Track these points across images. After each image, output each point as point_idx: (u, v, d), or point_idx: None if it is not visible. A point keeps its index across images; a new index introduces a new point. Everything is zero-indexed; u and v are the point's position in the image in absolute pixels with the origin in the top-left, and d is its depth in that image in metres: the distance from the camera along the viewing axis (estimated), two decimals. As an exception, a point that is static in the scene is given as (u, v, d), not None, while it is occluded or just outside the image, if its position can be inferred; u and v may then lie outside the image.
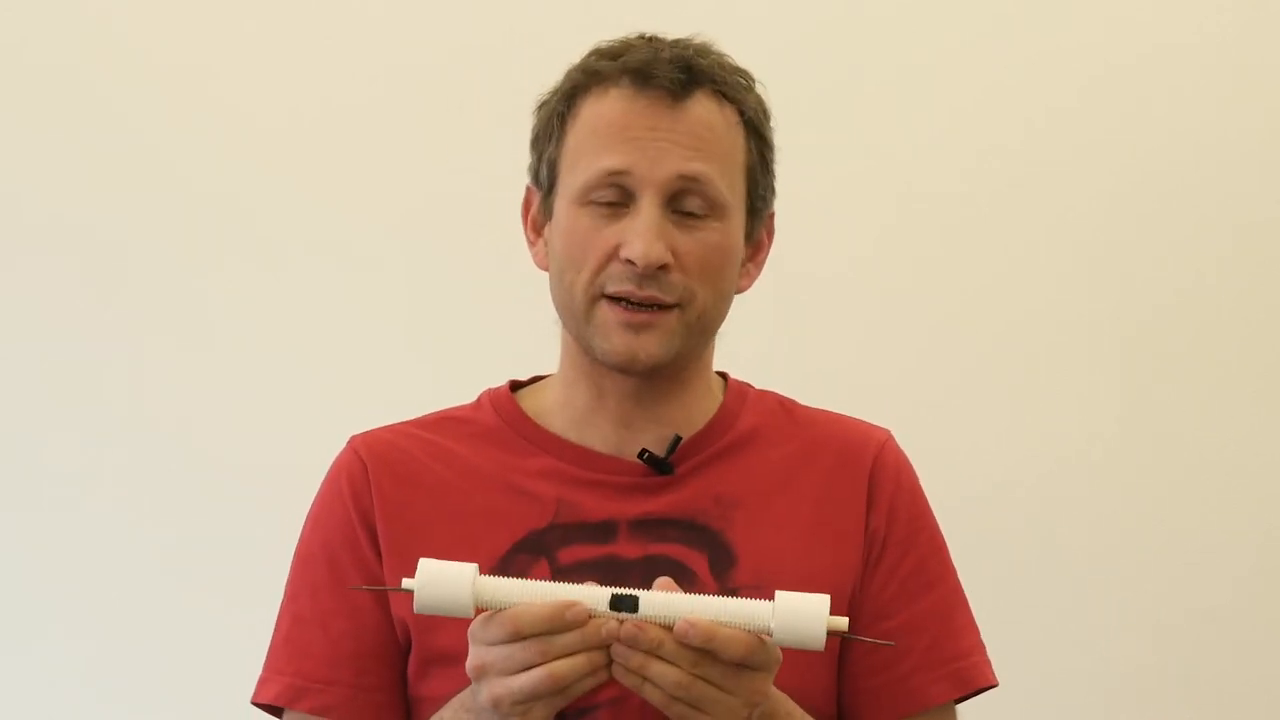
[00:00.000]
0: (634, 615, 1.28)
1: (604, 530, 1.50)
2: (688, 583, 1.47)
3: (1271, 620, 2.38)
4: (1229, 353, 2.39)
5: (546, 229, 1.54)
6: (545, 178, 1.53)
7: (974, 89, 2.40)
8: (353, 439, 1.58)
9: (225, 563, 2.37)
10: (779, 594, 1.29)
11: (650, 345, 1.47)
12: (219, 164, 2.41)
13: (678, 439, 1.52)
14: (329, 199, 2.41)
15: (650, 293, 1.45)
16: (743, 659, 1.28)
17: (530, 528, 1.51)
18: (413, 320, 2.41)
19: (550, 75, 1.54)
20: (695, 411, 1.55)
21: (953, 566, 1.60)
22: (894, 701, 1.54)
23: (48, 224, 2.40)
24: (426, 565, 1.30)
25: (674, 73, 1.46)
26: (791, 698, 1.42)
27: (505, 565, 1.49)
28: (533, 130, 1.55)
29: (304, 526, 1.58)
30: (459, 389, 1.64)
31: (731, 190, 1.49)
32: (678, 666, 1.28)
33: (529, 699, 1.28)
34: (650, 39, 1.51)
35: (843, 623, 1.30)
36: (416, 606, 1.30)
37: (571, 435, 1.54)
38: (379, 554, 1.52)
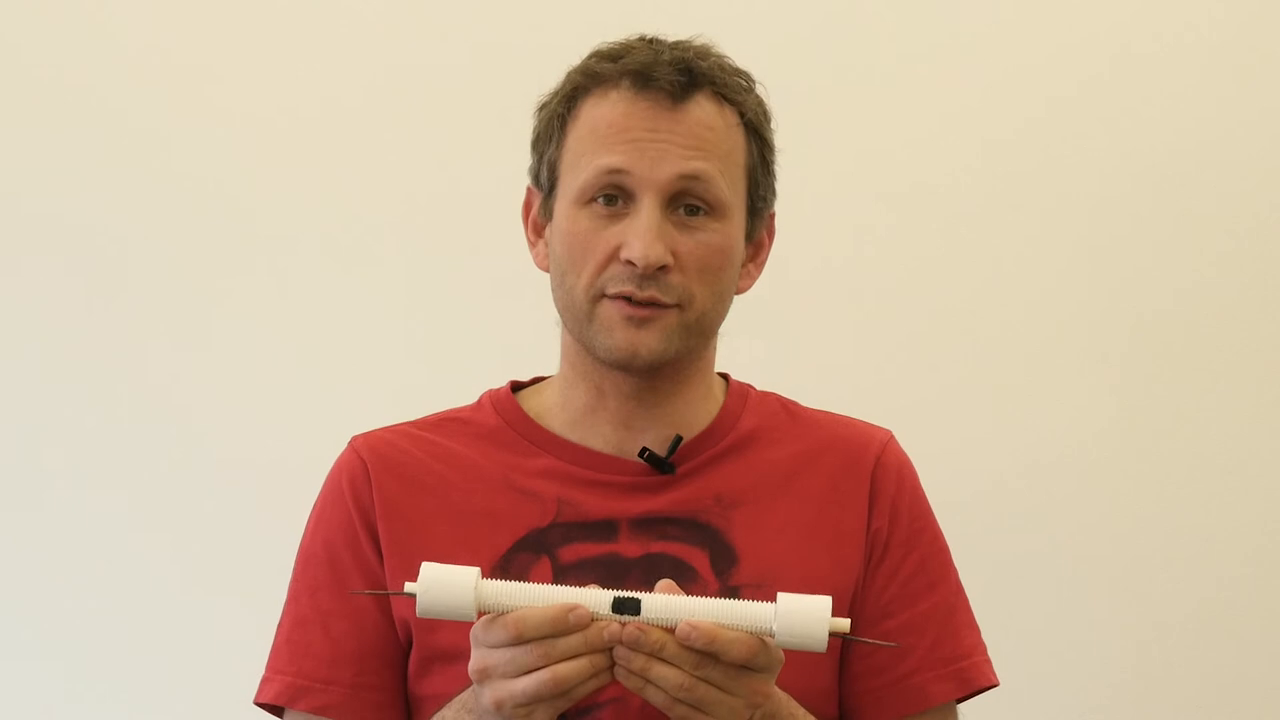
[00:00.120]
0: (636, 618, 1.28)
1: (605, 529, 1.51)
2: (689, 581, 1.48)
3: (1271, 619, 2.38)
4: (1227, 351, 2.39)
5: (547, 230, 1.54)
6: (545, 179, 1.53)
7: (970, 87, 2.40)
8: (354, 439, 1.58)
9: (226, 563, 2.37)
10: (781, 595, 1.29)
11: (651, 340, 1.47)
12: (219, 163, 2.40)
13: (679, 439, 1.53)
14: (330, 199, 2.41)
15: (650, 293, 1.46)
16: (745, 661, 1.28)
17: (531, 527, 1.51)
18: (414, 321, 2.41)
19: (551, 76, 1.54)
20: (696, 412, 1.56)
21: (954, 566, 1.60)
22: (896, 702, 1.55)
23: (48, 224, 2.40)
24: (429, 569, 1.30)
25: (674, 74, 1.46)
26: (793, 698, 1.42)
27: (506, 564, 1.49)
28: (533, 131, 1.55)
29: (306, 526, 1.58)
30: (460, 390, 1.64)
31: (732, 190, 1.49)
32: (680, 668, 1.28)
33: (532, 702, 1.28)
34: (650, 41, 1.52)
35: (844, 624, 1.30)
36: (419, 611, 1.30)
37: (572, 435, 1.55)
38: (380, 554, 1.52)
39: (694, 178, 1.46)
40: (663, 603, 1.29)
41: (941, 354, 2.39)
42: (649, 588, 1.33)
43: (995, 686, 1.58)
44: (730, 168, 1.49)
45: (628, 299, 1.46)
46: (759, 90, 1.54)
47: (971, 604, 1.61)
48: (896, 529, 1.55)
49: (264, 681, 1.55)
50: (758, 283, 1.59)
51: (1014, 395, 2.40)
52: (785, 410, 1.61)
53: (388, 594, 1.49)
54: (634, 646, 1.27)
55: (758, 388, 1.63)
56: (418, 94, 2.41)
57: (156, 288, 2.40)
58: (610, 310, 1.47)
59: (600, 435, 1.54)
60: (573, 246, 1.48)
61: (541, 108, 1.54)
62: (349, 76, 2.41)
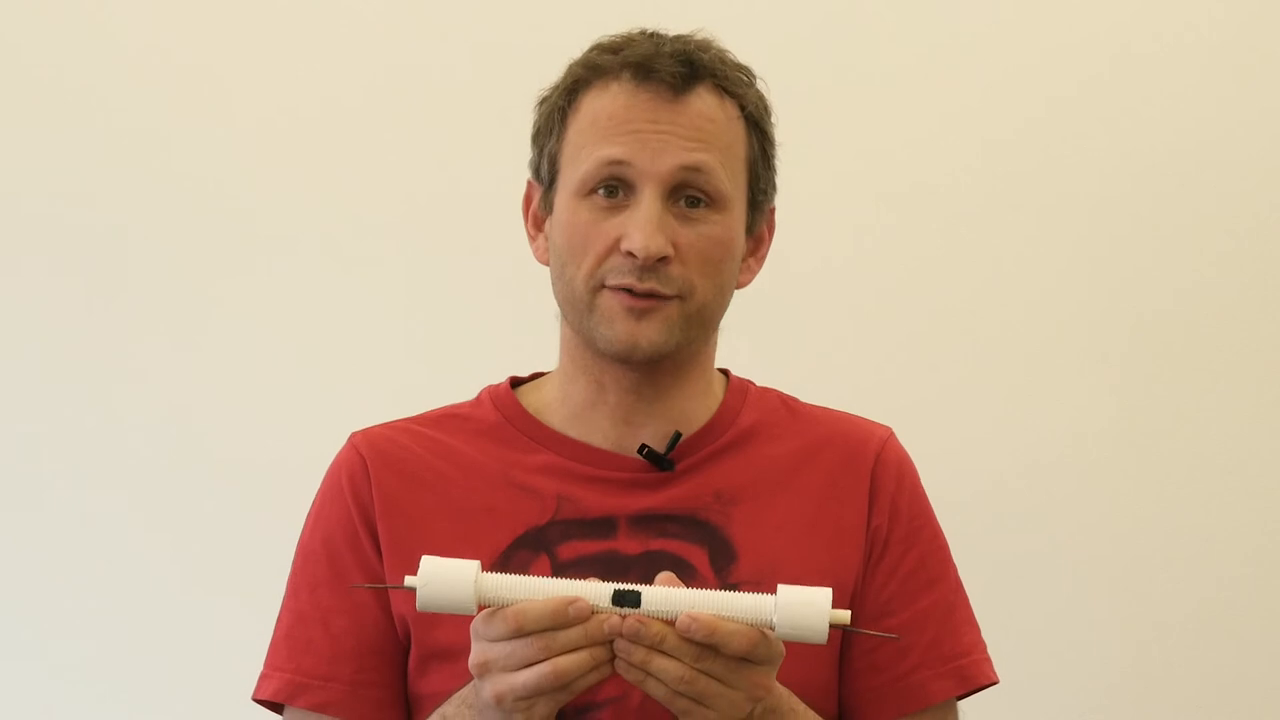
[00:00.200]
0: (636, 610, 1.28)
1: (604, 526, 1.50)
2: (688, 578, 1.47)
3: (1271, 619, 2.38)
4: (1227, 351, 2.39)
5: (547, 223, 1.54)
6: (546, 172, 1.53)
7: (970, 87, 2.40)
8: (353, 436, 1.58)
9: (226, 563, 2.37)
10: (781, 587, 1.29)
11: (651, 332, 1.46)
12: (219, 163, 2.41)
13: (678, 435, 1.53)
14: (329, 199, 2.41)
15: (650, 285, 1.45)
16: (746, 653, 1.28)
17: (531, 524, 1.51)
18: (413, 320, 2.41)
19: (551, 73, 1.54)
20: (696, 408, 1.55)
21: (953, 564, 1.60)
22: (895, 699, 1.54)
23: (48, 224, 2.40)
24: (428, 563, 1.30)
25: (675, 66, 1.46)
26: (794, 693, 1.42)
27: (506, 561, 1.49)
28: (533, 125, 1.55)
29: (305, 523, 1.58)
30: (460, 389, 1.64)
31: (732, 183, 1.49)
32: (680, 661, 1.27)
33: (532, 695, 1.28)
34: (651, 34, 1.52)
35: (845, 616, 1.29)
36: (419, 604, 1.30)
37: (571, 431, 1.54)
38: (379, 550, 1.52)
39: (695, 169, 1.46)
40: (663, 595, 1.28)
41: (941, 354, 2.39)
42: (649, 585, 1.33)
43: (995, 684, 1.57)
44: (731, 160, 1.49)
45: (628, 290, 1.46)
46: (760, 85, 1.54)
47: (971, 603, 1.61)
48: (896, 526, 1.55)
49: (262, 678, 1.55)
50: (758, 280, 1.59)
51: (1014, 395, 2.40)
52: (785, 406, 1.61)
53: (388, 587, 1.49)
54: (634, 639, 1.27)
55: (757, 384, 1.63)
56: (418, 94, 2.41)
57: (156, 287, 2.40)
58: (610, 301, 1.47)
59: (600, 431, 1.54)
60: (573, 238, 1.48)
61: (542, 101, 1.54)
62: (349, 76, 2.41)
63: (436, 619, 1.43)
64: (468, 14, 2.41)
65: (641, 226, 1.44)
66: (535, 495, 1.52)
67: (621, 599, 1.28)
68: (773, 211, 1.59)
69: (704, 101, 1.48)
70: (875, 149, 2.40)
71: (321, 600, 1.53)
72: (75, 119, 2.41)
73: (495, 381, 1.61)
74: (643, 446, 1.51)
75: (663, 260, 1.45)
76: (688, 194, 1.47)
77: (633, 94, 1.47)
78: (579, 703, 1.37)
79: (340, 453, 1.57)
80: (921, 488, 1.60)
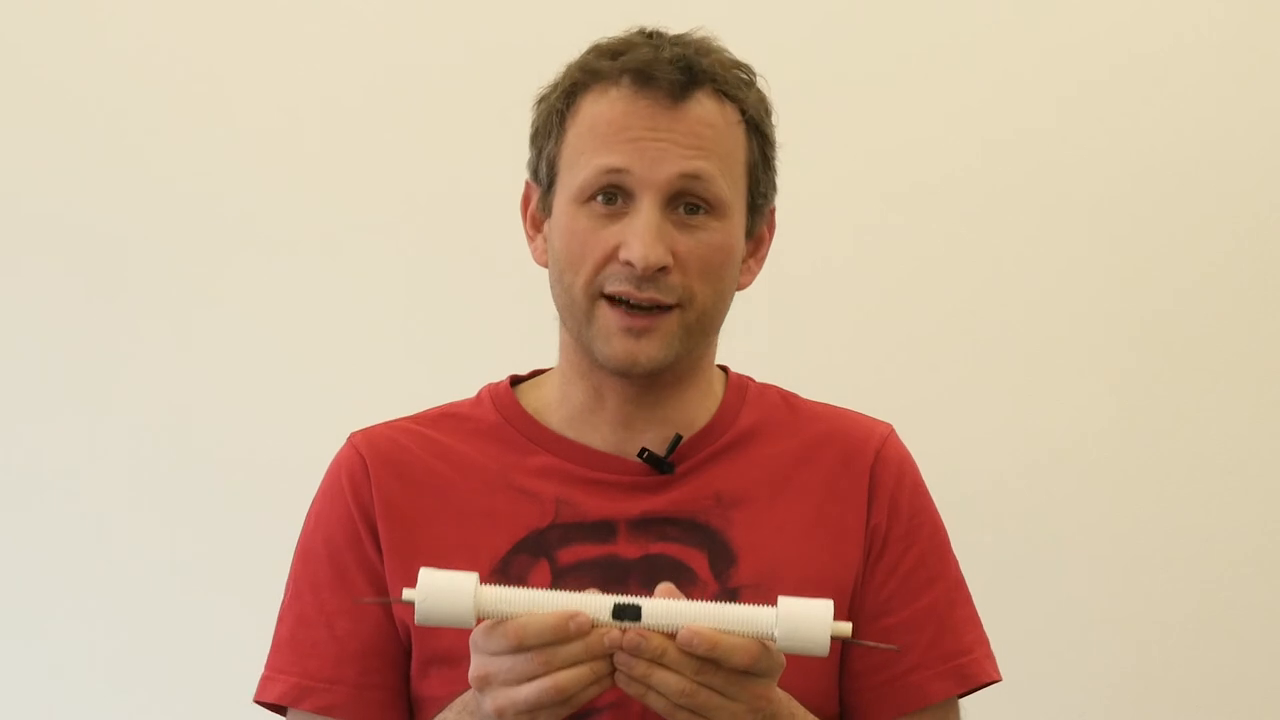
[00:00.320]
0: (637, 624, 1.27)
1: (604, 530, 1.50)
2: (687, 582, 1.47)
3: (1271, 619, 2.38)
4: (1227, 352, 2.39)
5: (545, 225, 1.53)
6: (544, 175, 1.52)
7: (970, 87, 2.40)
8: (352, 436, 1.57)
9: (226, 563, 2.37)
10: (782, 600, 1.29)
11: (651, 349, 1.46)
12: (219, 163, 2.41)
13: (678, 438, 1.52)
14: (329, 199, 2.41)
15: (650, 294, 1.45)
16: (747, 666, 1.28)
17: (530, 528, 1.50)
18: (413, 320, 2.41)
19: (551, 73, 1.53)
20: (695, 410, 1.55)
21: (955, 561, 1.60)
22: (895, 699, 1.54)
23: (48, 224, 2.41)
24: (427, 576, 1.29)
25: (674, 73, 1.45)
26: (793, 698, 1.42)
27: (506, 566, 1.49)
28: (532, 125, 1.54)
29: (305, 523, 1.57)
30: (460, 388, 1.64)
31: (732, 189, 1.48)
32: (681, 674, 1.27)
33: (533, 709, 1.28)
34: (650, 35, 1.51)
35: (846, 628, 1.29)
36: (418, 619, 1.29)
37: (571, 433, 1.54)
38: (380, 551, 1.52)
39: (694, 177, 1.45)
40: (663, 608, 1.28)
41: (941, 354, 2.39)
42: (648, 589, 1.32)
43: (997, 682, 1.57)
44: (731, 166, 1.48)
45: (626, 301, 1.45)
46: (760, 83, 1.53)
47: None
48: (895, 525, 1.55)
49: (265, 680, 1.54)
50: (758, 281, 1.58)
51: (1014, 395, 2.40)
52: (785, 403, 1.60)
53: (386, 601, 1.49)
54: (635, 653, 1.27)
55: (757, 381, 1.62)
56: (418, 94, 2.41)
57: (156, 287, 2.40)
58: (608, 316, 1.46)
59: (599, 434, 1.53)
60: (571, 245, 1.47)
61: (540, 100, 1.53)
62: (349, 76, 2.41)
63: (437, 623, 1.43)
64: (468, 14, 2.41)
65: (640, 236, 1.43)
66: (534, 498, 1.51)
67: (622, 613, 1.27)
68: (773, 212, 1.58)
69: (703, 108, 1.47)
70: (876, 149, 2.40)
71: (325, 602, 1.53)
72: (75, 119, 2.41)
73: (495, 379, 1.61)
74: (643, 450, 1.51)
75: (662, 269, 1.44)
76: (687, 201, 1.46)
77: (632, 100, 1.46)
78: (580, 709, 1.36)
79: (340, 452, 1.57)
80: (922, 484, 1.60)
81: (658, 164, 1.44)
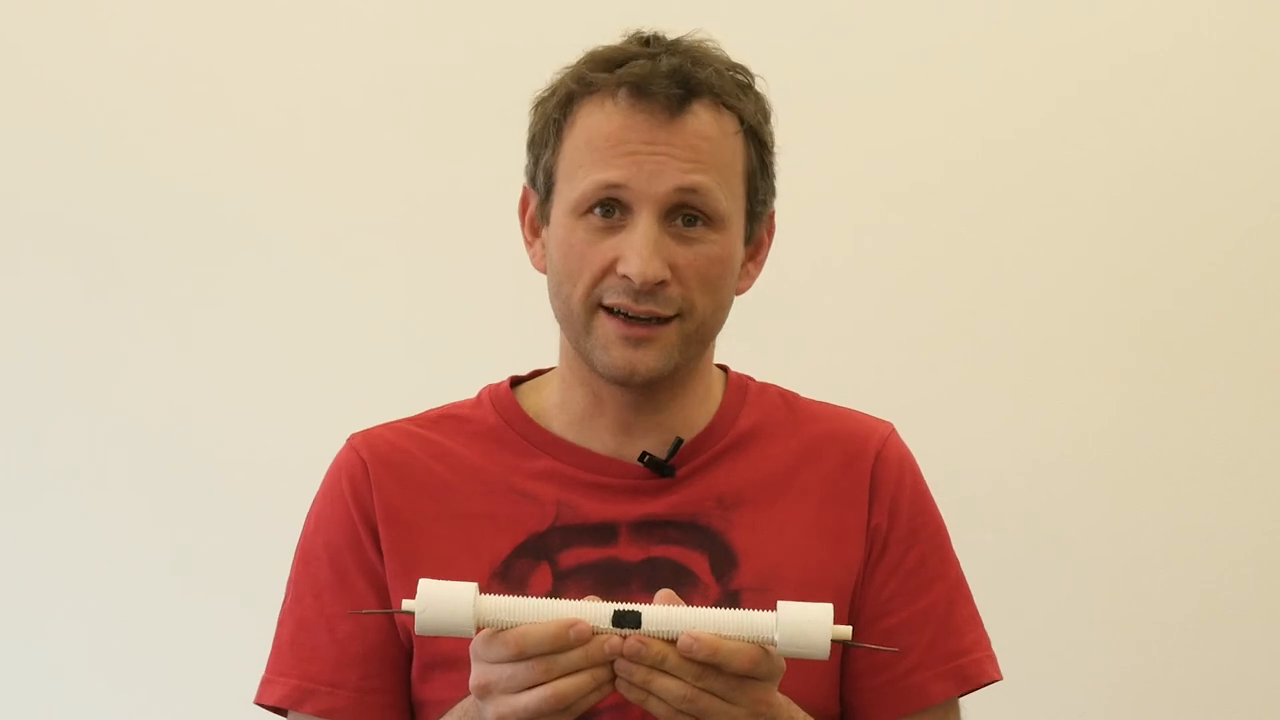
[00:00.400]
0: (637, 630, 1.27)
1: (604, 533, 1.50)
2: (689, 585, 1.48)
3: (1271, 619, 2.38)
4: (1228, 352, 2.39)
5: (544, 233, 1.53)
6: (542, 183, 1.52)
7: (971, 87, 2.40)
8: (352, 438, 1.57)
9: (226, 563, 2.37)
10: (781, 605, 1.29)
11: (650, 359, 1.46)
12: (219, 163, 2.41)
13: (679, 441, 1.52)
14: (329, 199, 2.41)
15: (648, 307, 1.44)
16: (747, 671, 1.28)
17: (531, 531, 1.50)
18: (413, 320, 2.41)
19: (551, 73, 1.53)
20: (695, 412, 1.55)
21: (955, 561, 1.59)
22: (896, 700, 1.54)
23: (48, 224, 2.40)
24: (426, 586, 1.30)
25: (671, 87, 1.44)
26: (794, 700, 1.42)
27: (507, 569, 1.49)
28: (529, 130, 1.53)
29: (305, 526, 1.57)
30: (460, 388, 1.64)
31: (730, 200, 1.47)
32: (682, 680, 1.28)
33: (534, 717, 1.28)
34: (647, 42, 1.50)
35: (846, 631, 1.30)
36: (418, 629, 1.30)
37: (571, 436, 1.54)
38: (381, 555, 1.52)
39: (692, 191, 1.44)
40: (663, 614, 1.28)
41: (942, 354, 2.39)
42: (649, 592, 1.32)
43: (998, 682, 1.57)
44: (729, 177, 1.47)
45: (625, 313, 1.45)
46: (758, 84, 1.52)
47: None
48: (896, 525, 1.55)
49: (266, 683, 1.54)
50: (759, 283, 1.58)
51: (1014, 395, 2.40)
52: (785, 403, 1.60)
53: (386, 613, 1.49)
54: (635, 659, 1.27)
55: (757, 380, 1.62)
56: (418, 94, 2.40)
57: (156, 287, 2.40)
58: (607, 327, 1.46)
59: (599, 438, 1.53)
60: (569, 257, 1.47)
61: (537, 106, 1.52)
62: (349, 76, 2.41)
63: (436, 626, 1.42)
64: (468, 14, 2.41)
65: (638, 251, 1.43)
66: (535, 501, 1.51)
67: (622, 619, 1.28)
68: (772, 216, 1.57)
69: (700, 120, 1.46)
70: (876, 149, 2.40)
71: (325, 605, 1.53)
72: (75, 119, 2.40)
73: (495, 380, 1.61)
74: (644, 454, 1.51)
75: (661, 284, 1.44)
76: (685, 213, 1.45)
77: (628, 114, 1.45)
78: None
79: (340, 454, 1.57)
80: (923, 484, 1.60)
81: (655, 178, 1.44)
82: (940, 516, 1.60)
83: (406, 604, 1.30)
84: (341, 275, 2.40)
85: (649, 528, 1.50)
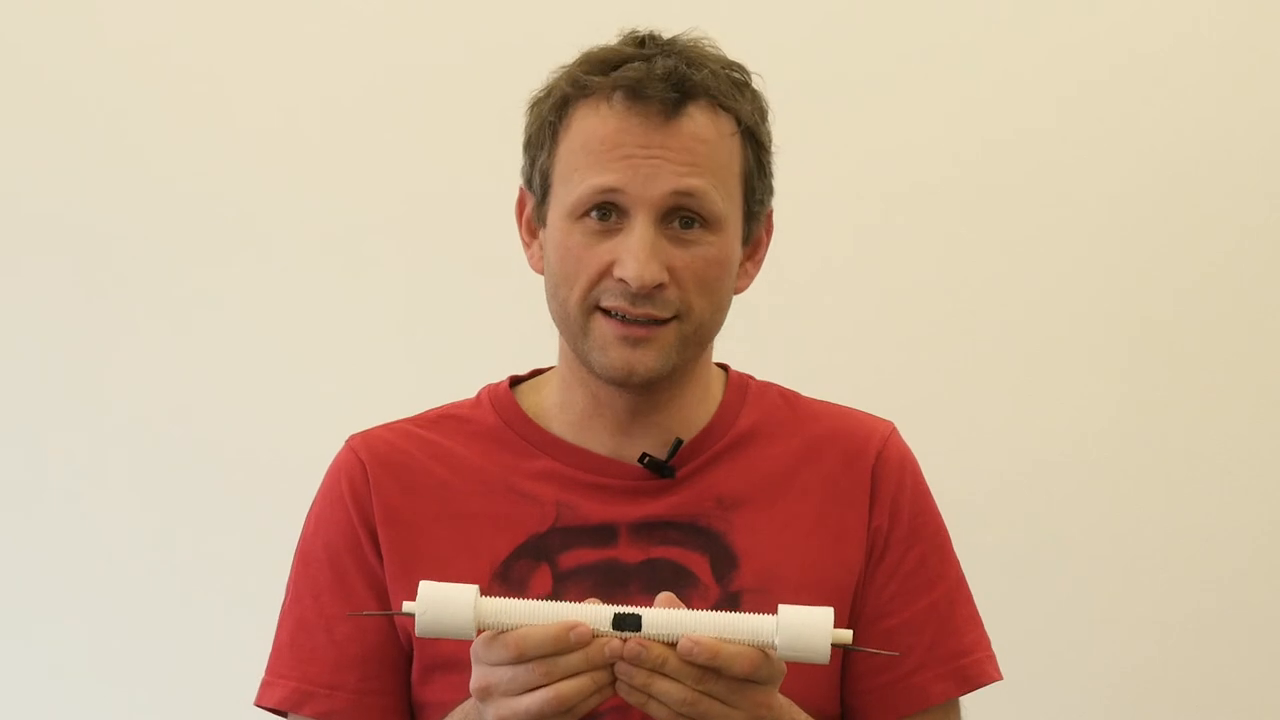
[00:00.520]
0: (637, 634, 1.27)
1: (604, 534, 1.50)
2: (689, 586, 1.48)
3: (1271, 619, 2.38)
4: (1228, 351, 2.39)
5: (541, 234, 1.53)
6: (538, 186, 1.51)
7: (971, 87, 2.40)
8: (351, 439, 1.57)
9: (226, 563, 2.37)
10: (782, 608, 1.29)
11: (648, 360, 1.46)
12: (219, 164, 2.40)
13: (679, 442, 1.52)
14: (328, 197, 2.41)
15: (645, 310, 1.44)
16: (748, 675, 1.28)
17: (531, 532, 1.50)
18: (412, 316, 2.41)
19: (547, 74, 1.53)
20: (694, 414, 1.54)
21: (956, 560, 1.59)
22: (896, 701, 1.54)
23: (48, 224, 2.40)
24: (427, 589, 1.30)
25: (666, 90, 1.44)
26: (794, 701, 1.41)
27: (506, 570, 1.49)
28: (525, 132, 1.53)
29: (304, 527, 1.57)
30: (460, 388, 1.63)
31: (728, 202, 1.47)
32: (682, 683, 1.28)
33: (535, 719, 1.28)
34: (642, 42, 1.49)
35: (847, 635, 1.30)
36: (419, 631, 1.30)
37: (571, 437, 1.54)
38: (380, 556, 1.52)
39: (688, 194, 1.44)
40: (663, 618, 1.28)
41: (942, 354, 2.39)
42: (650, 594, 1.32)
43: (998, 682, 1.57)
44: (726, 179, 1.47)
45: (622, 316, 1.44)
46: (755, 82, 1.51)
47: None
48: (897, 526, 1.55)
49: (265, 685, 1.54)
50: (759, 281, 1.58)
51: (1014, 395, 2.40)
52: (786, 402, 1.59)
53: (387, 614, 1.49)
54: (635, 662, 1.27)
55: (757, 379, 1.62)
56: (418, 94, 2.40)
57: (156, 287, 2.40)
58: (604, 328, 1.45)
59: (599, 439, 1.53)
60: (565, 260, 1.46)
61: (533, 106, 1.52)
62: (349, 76, 2.41)
63: (437, 628, 1.42)
64: (468, 14, 2.41)
65: (635, 254, 1.42)
66: (535, 502, 1.51)
67: (622, 623, 1.28)
68: (770, 214, 1.56)
69: (696, 122, 1.45)
70: (876, 149, 2.40)
71: (325, 607, 1.52)
72: (74, 119, 2.40)
73: (494, 379, 1.60)
74: (643, 455, 1.50)
75: (658, 287, 1.43)
76: (682, 216, 1.45)
77: (624, 117, 1.44)
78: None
79: (339, 456, 1.57)
80: (924, 483, 1.59)
81: (651, 181, 1.43)
82: (940, 516, 1.59)
83: (407, 606, 1.30)
84: (341, 275, 2.40)
85: (649, 529, 1.50)
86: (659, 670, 1.27)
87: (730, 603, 1.47)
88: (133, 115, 2.40)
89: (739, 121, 1.48)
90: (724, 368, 1.61)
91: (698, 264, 1.45)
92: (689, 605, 1.36)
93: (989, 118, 2.40)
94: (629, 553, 1.49)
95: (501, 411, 1.56)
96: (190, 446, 2.39)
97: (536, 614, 1.28)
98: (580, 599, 1.33)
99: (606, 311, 1.45)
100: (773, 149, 1.53)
